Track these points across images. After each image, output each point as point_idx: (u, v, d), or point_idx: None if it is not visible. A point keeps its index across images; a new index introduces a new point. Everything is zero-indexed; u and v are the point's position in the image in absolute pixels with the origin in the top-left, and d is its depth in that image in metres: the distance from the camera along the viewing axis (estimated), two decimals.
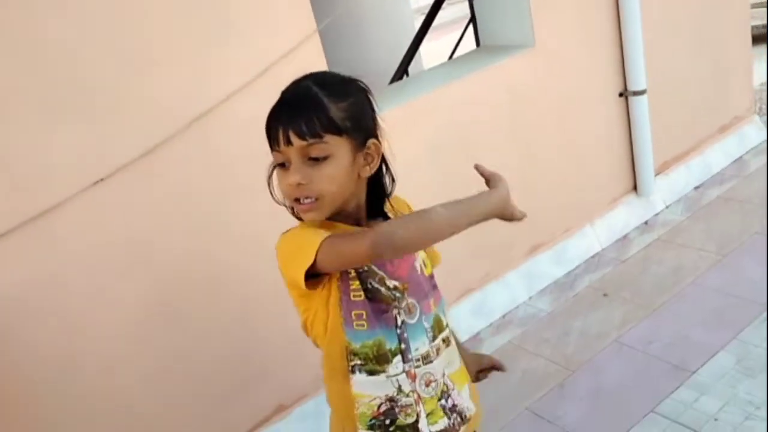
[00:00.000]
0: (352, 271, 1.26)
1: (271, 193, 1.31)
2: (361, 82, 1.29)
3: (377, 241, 1.13)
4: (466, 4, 4.26)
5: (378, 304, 1.27)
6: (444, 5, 4.32)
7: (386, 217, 1.35)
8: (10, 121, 1.83)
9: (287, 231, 1.30)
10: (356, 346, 1.28)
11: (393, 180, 1.36)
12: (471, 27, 4.13)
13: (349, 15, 4.49)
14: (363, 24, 4.93)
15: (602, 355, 2.60)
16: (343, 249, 1.18)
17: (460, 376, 1.39)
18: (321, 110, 1.18)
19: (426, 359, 1.31)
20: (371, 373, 1.29)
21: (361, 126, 1.24)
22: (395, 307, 1.29)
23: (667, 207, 3.49)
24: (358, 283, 1.26)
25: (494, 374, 1.59)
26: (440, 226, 1.19)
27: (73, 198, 1.93)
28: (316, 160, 1.19)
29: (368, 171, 1.27)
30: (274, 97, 1.28)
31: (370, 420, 1.31)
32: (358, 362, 1.28)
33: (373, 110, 1.29)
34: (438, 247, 1.34)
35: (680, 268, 3.00)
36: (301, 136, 1.17)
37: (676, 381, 2.37)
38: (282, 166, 1.22)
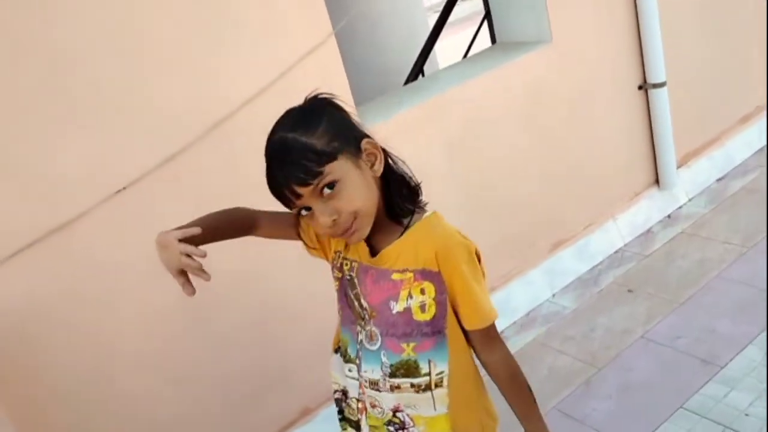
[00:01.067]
0: (338, 272, 1.38)
1: (303, 240, 1.46)
2: (320, 94, 1.27)
3: None
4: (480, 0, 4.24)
5: (350, 312, 1.37)
6: (457, 2, 4.30)
7: (396, 214, 1.30)
8: (29, 132, 1.84)
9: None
10: (340, 329, 1.43)
11: (407, 166, 1.34)
12: (485, 23, 4.11)
13: (364, 16, 4.49)
14: (377, 25, 4.93)
15: (629, 351, 2.57)
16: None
17: (434, 422, 1.34)
18: (306, 150, 1.17)
19: (374, 385, 1.35)
20: (343, 358, 1.42)
21: (347, 136, 1.23)
22: (360, 325, 1.35)
23: (690, 200, 3.44)
24: (338, 283, 1.39)
25: None
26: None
27: (94, 208, 1.94)
28: (331, 189, 1.19)
29: (379, 168, 1.26)
30: (291, 101, 1.28)
31: (334, 401, 1.49)
32: (339, 346, 1.44)
33: (346, 113, 1.28)
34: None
35: (705, 262, 2.96)
36: (304, 183, 1.17)
37: (704, 376, 2.34)
38: (307, 210, 1.23)
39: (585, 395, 2.41)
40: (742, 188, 3.44)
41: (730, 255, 2.94)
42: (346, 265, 1.36)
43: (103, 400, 2.08)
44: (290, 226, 1.45)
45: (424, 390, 1.32)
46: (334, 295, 1.43)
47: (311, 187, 1.17)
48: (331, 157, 1.18)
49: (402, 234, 1.29)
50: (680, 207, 3.41)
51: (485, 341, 1.33)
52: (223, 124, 2.08)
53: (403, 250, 1.28)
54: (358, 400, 1.41)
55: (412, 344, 1.30)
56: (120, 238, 2.01)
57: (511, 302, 2.91)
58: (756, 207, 3.24)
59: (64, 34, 1.85)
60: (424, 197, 1.36)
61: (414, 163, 1.48)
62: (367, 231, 1.25)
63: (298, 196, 1.18)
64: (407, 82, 4.17)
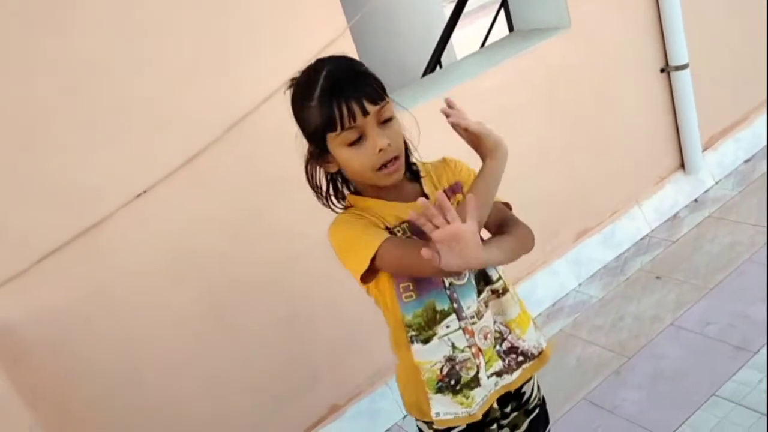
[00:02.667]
0: None
1: (312, 182, 1.36)
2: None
3: (450, 264, 1.16)
4: None
5: None
6: None
7: (415, 174, 1.39)
8: (53, 140, 1.86)
9: (336, 220, 1.35)
10: (409, 317, 1.35)
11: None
12: (502, 11, 4.07)
13: (379, 9, 4.46)
14: (392, 17, 4.90)
15: (658, 339, 2.53)
16: (406, 262, 1.25)
17: (520, 321, 1.44)
18: (373, 78, 1.24)
19: (478, 315, 1.37)
20: (425, 341, 1.35)
21: None
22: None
23: (716, 183, 3.38)
24: None
25: (549, 365, 1.53)
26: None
27: (118, 212, 1.95)
28: (386, 123, 1.24)
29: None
30: None
31: (437, 383, 1.38)
32: (413, 333, 1.36)
33: None
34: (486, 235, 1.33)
35: (735, 245, 2.90)
36: (374, 102, 1.21)
37: (737, 362, 2.30)
38: (355, 143, 1.23)
39: (615, 385, 2.38)
40: None
41: (761, 237, 2.89)
42: (398, 233, 1.32)
43: (135, 404, 2.09)
44: None
45: (502, 293, 1.41)
46: (360, 290, 1.40)
47: (376, 109, 1.21)
48: (386, 95, 1.25)
49: (418, 174, 1.40)
50: (707, 190, 3.35)
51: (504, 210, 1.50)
52: (242, 124, 2.08)
53: (434, 182, 1.39)
54: (469, 347, 1.37)
55: None
56: (144, 240, 2.02)
57: (537, 293, 2.89)
58: None
59: (85, 43, 1.86)
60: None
61: (435, 155, 1.48)
62: (401, 175, 1.29)
63: (365, 113, 1.20)
64: (425, 74, 4.15)
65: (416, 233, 1.30)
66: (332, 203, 1.40)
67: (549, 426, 1.60)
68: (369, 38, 4.03)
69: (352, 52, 2.24)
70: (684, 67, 3.07)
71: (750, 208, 3.12)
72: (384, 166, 1.25)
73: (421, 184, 1.40)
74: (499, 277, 1.41)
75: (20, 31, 1.77)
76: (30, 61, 1.79)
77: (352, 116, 1.20)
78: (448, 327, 1.35)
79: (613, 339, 2.60)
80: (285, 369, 2.33)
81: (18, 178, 1.83)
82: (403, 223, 1.32)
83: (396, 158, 1.26)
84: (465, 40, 5.84)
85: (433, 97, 2.54)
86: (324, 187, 1.38)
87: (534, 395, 1.54)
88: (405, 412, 2.50)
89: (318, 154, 1.30)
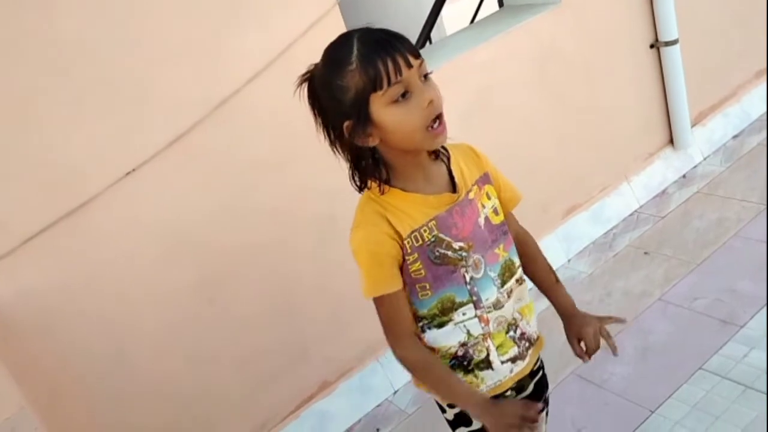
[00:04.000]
0: (414, 253, 1.30)
1: (354, 163, 1.30)
2: None
3: (398, 355, 1.36)
4: None
5: (446, 267, 1.33)
6: None
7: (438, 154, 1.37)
8: (36, 120, 1.84)
9: (357, 223, 1.32)
10: (423, 311, 1.36)
11: None
12: None
13: None
14: None
15: (647, 314, 2.55)
16: (386, 325, 1.35)
17: (528, 309, 1.47)
18: (409, 40, 1.23)
19: (497, 305, 1.38)
20: (440, 325, 1.37)
21: None
22: (462, 266, 1.34)
23: (705, 159, 3.40)
24: (418, 263, 1.31)
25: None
26: (429, 384, 1.41)
27: (106, 191, 1.94)
28: (426, 78, 1.23)
29: None
30: (296, 75, 1.26)
31: (450, 361, 1.40)
32: (425, 322, 1.37)
33: None
34: None
35: (723, 221, 2.92)
36: (416, 55, 1.20)
37: (724, 336, 2.32)
38: (400, 99, 1.20)
39: (603, 360, 2.40)
40: (758, 144, 3.38)
41: (748, 213, 2.91)
42: (425, 232, 1.30)
43: (124, 382, 2.10)
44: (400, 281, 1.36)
45: (522, 281, 1.44)
46: (351, 266, 1.36)
47: (420, 61, 1.20)
48: None
49: (448, 159, 1.36)
50: (696, 166, 3.36)
51: (513, 215, 1.52)
52: (229, 102, 2.06)
53: (462, 170, 1.36)
54: (483, 335, 1.39)
55: (501, 246, 1.39)
56: (132, 220, 2.02)
57: None
58: None
59: (69, 22, 1.83)
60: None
61: None
62: (446, 137, 1.27)
63: (409, 66, 1.18)
64: None
65: (443, 230, 1.31)
66: (370, 181, 1.32)
67: (548, 390, 1.65)
68: (358, 14, 3.99)
69: (342, 28, 2.22)
70: (673, 42, 3.07)
71: (738, 184, 3.13)
72: (432, 124, 1.23)
73: (449, 167, 1.36)
74: (520, 264, 1.45)
75: (3, 10, 1.74)
76: (14, 40, 1.77)
77: (398, 69, 1.17)
78: (464, 314, 1.37)
79: (601, 314, 2.61)
80: (274, 346, 2.34)
81: (2, 158, 1.81)
82: (431, 220, 1.30)
83: (441, 115, 1.25)
84: (455, 15, 5.80)
85: None
86: (362, 164, 1.30)
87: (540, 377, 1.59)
88: (395, 388, 2.53)
89: (359, 126, 1.22)
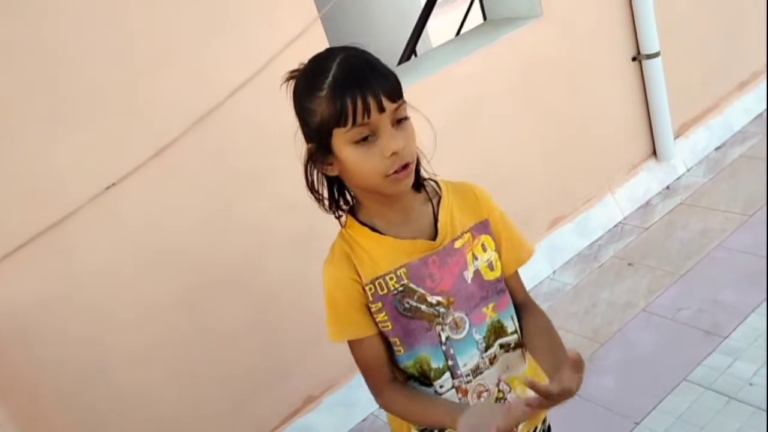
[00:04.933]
0: (378, 302, 1.19)
1: (312, 188, 1.19)
2: None
3: (379, 403, 1.27)
4: None
5: (419, 322, 1.20)
6: None
7: (420, 184, 1.23)
8: (18, 130, 1.82)
9: (328, 260, 1.22)
10: (401, 365, 1.26)
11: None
12: (477, 1, 4.06)
13: None
14: (367, 5, 4.88)
15: (631, 325, 2.56)
16: (360, 370, 1.26)
17: (522, 381, 1.29)
18: (392, 73, 1.10)
19: (476, 372, 1.25)
20: (426, 381, 1.25)
21: None
22: (438, 323, 1.21)
23: (688, 170, 3.42)
24: (384, 313, 1.20)
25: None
26: (403, 417, 1.28)
27: (88, 204, 1.93)
28: (400, 123, 1.11)
29: None
30: (279, 89, 1.24)
31: (422, 428, 1.30)
32: (408, 376, 1.27)
33: None
34: None
35: (706, 232, 2.94)
36: (393, 99, 1.08)
37: (708, 347, 2.33)
38: (364, 140, 1.08)
39: (588, 371, 2.35)
40: (741, 156, 3.40)
41: (731, 224, 2.93)
42: (390, 280, 1.19)
43: (103, 398, 2.07)
44: (380, 336, 1.25)
45: (514, 348, 1.29)
46: None
47: (395, 106, 1.08)
48: (402, 92, 1.12)
49: (438, 203, 1.23)
50: (679, 178, 3.39)
51: (521, 281, 1.34)
52: (211, 115, 2.05)
53: (453, 215, 1.23)
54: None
55: (491, 305, 1.25)
56: (113, 234, 2.00)
57: None
58: (756, 174, 3.21)
59: (52, 32, 1.82)
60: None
61: None
62: (411, 181, 1.15)
63: (381, 109, 1.06)
64: (400, 62, 4.14)
65: (415, 280, 1.18)
66: (335, 209, 1.24)
67: None
68: (342, 28, 4.01)
69: (323, 42, 2.22)
70: (655, 55, 3.10)
71: (721, 195, 3.15)
72: (392, 173, 1.10)
73: (434, 208, 1.23)
74: (515, 330, 1.29)
75: None
76: None
77: (367, 111, 1.05)
78: (441, 387, 1.24)
79: (586, 326, 2.63)
80: (258, 360, 2.32)
81: None
82: (400, 267, 1.18)
83: (408, 164, 1.11)
84: (440, 28, 5.83)
85: (407, 86, 2.53)
86: (326, 194, 1.22)
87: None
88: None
89: (319, 153, 1.13)
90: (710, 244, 2.85)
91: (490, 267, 1.24)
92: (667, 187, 3.34)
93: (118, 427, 2.10)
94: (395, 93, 1.09)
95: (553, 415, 2.25)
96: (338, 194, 1.23)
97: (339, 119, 1.06)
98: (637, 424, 2.14)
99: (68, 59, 1.85)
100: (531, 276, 2.95)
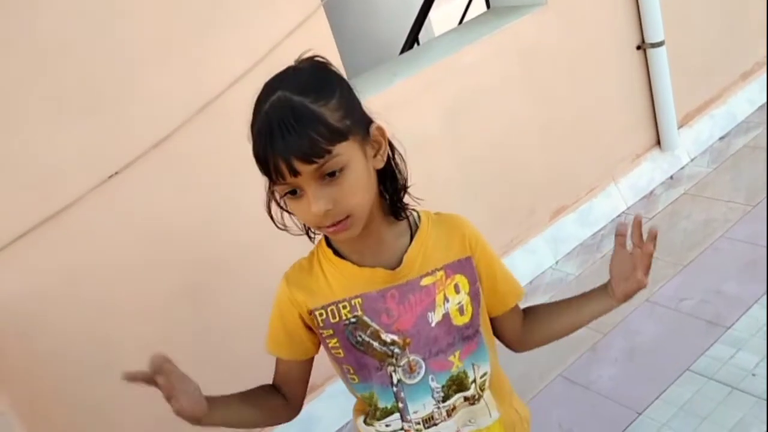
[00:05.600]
0: (329, 329, 1.13)
1: (273, 221, 1.14)
2: (316, 56, 1.09)
3: None
4: None
5: (370, 360, 1.12)
6: None
7: (399, 210, 1.14)
8: (18, 122, 1.82)
9: (291, 268, 1.21)
10: (357, 394, 1.21)
11: (404, 162, 1.15)
12: None
13: None
14: None
15: (634, 315, 2.55)
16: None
17: (490, 431, 1.21)
18: (317, 122, 0.97)
19: (429, 422, 1.15)
20: (365, 420, 1.21)
21: (357, 116, 1.05)
22: (390, 364, 1.12)
23: (692, 160, 3.40)
24: (335, 340, 1.13)
25: None
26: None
27: (88, 194, 1.92)
28: (332, 176, 0.99)
29: (381, 161, 1.08)
30: None
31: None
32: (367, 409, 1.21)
33: (353, 91, 1.08)
34: (464, 213, 1.23)
35: (709, 222, 2.93)
36: (308, 161, 0.96)
37: (710, 337, 2.33)
38: (292, 193, 1.02)
39: (590, 361, 2.40)
40: (744, 146, 3.39)
41: (735, 214, 2.92)
42: (344, 308, 1.12)
43: (104, 391, 2.07)
44: (301, 364, 1.25)
45: (477, 400, 1.19)
46: None
47: (314, 167, 0.97)
48: (342, 137, 0.99)
49: (415, 233, 1.14)
50: (683, 167, 3.37)
51: (520, 314, 1.29)
52: (213, 105, 2.04)
53: (427, 249, 1.13)
54: None
55: (457, 353, 1.15)
56: (114, 225, 1.99)
57: (514, 271, 2.84)
58: (759, 164, 3.19)
59: (50, 22, 1.81)
60: (424, 169, 1.27)
61: (412, 134, 1.45)
62: (359, 229, 1.05)
63: (295, 174, 0.97)
64: (403, 51, 4.12)
65: (369, 313, 1.11)
66: (310, 232, 1.17)
67: None
68: (345, 15, 3.99)
69: (326, 30, 2.21)
70: (660, 44, 3.08)
71: (724, 185, 3.14)
72: (327, 227, 1.03)
73: (412, 237, 1.14)
74: (474, 380, 1.18)
75: None
76: None
77: (280, 174, 0.97)
78: (387, 426, 1.16)
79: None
80: (260, 350, 2.31)
81: None
82: (355, 298, 1.11)
83: (343, 220, 1.02)
84: (443, 17, 5.80)
85: (411, 75, 2.52)
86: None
87: None
88: None
89: (271, 188, 1.09)
90: (713, 235, 2.84)
91: (461, 311, 1.15)
92: (671, 177, 3.33)
93: (118, 420, 2.10)
94: (314, 152, 0.96)
95: (556, 405, 2.26)
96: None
97: (262, 171, 1.01)
98: (640, 414, 2.14)
99: (69, 49, 1.84)
100: (534, 266, 2.95)
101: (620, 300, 1.22)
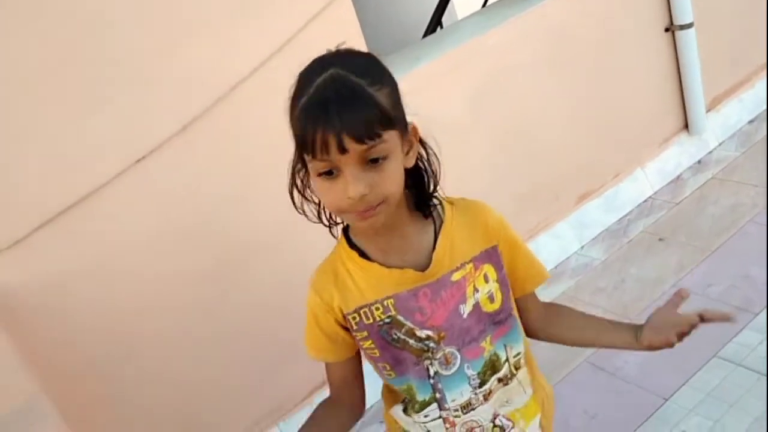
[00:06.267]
0: (363, 331, 1.14)
1: (294, 203, 1.13)
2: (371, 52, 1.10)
3: None
4: None
5: (407, 355, 1.14)
6: None
7: (428, 209, 1.14)
8: (49, 104, 1.83)
9: (314, 272, 1.21)
10: (395, 387, 1.22)
11: (438, 161, 1.15)
12: None
13: None
14: None
15: (661, 301, 2.51)
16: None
17: (526, 411, 1.24)
18: (373, 105, 0.97)
19: (467, 408, 1.18)
20: (405, 410, 1.22)
21: (401, 111, 1.04)
22: (427, 358, 1.15)
23: (720, 144, 3.35)
24: (370, 342, 1.14)
25: None
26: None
27: (118, 177, 1.94)
28: (375, 162, 0.99)
29: (411, 159, 1.08)
30: (306, 61, 1.23)
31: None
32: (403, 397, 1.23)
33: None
34: (487, 199, 1.21)
35: (737, 207, 2.89)
36: (361, 140, 0.95)
37: (738, 324, 2.30)
38: (328, 174, 1.00)
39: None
40: None
41: (763, 199, 2.87)
42: (376, 310, 1.13)
43: (133, 367, 2.10)
44: (350, 362, 1.23)
45: (510, 379, 1.21)
46: None
47: (364, 148, 0.96)
48: (392, 125, 0.99)
49: (439, 227, 1.14)
50: (710, 152, 3.32)
51: (535, 298, 1.29)
52: (239, 88, 2.04)
53: (454, 243, 1.13)
54: None
55: (488, 338, 1.17)
56: (145, 205, 2.01)
57: (539, 256, 2.85)
58: None
59: (80, 8, 1.82)
60: (449, 152, 1.24)
61: (436, 117, 1.44)
62: (384, 219, 1.04)
63: (343, 151, 0.95)
64: (426, 35, 4.09)
65: (403, 313, 1.12)
66: (326, 220, 1.17)
67: None
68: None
69: (350, 13, 2.20)
70: (689, 26, 3.02)
71: (752, 170, 3.09)
72: (357, 212, 1.02)
73: (435, 235, 1.13)
74: (507, 360, 1.20)
75: None
76: (31, 20, 1.76)
77: (326, 149, 0.96)
78: (426, 416, 1.19)
79: (615, 301, 2.61)
80: (287, 330, 2.33)
81: (16, 142, 1.81)
82: (387, 298, 1.11)
83: (375, 206, 1.02)
84: (466, 0, 5.75)
85: (435, 58, 2.51)
86: (316, 200, 1.13)
87: None
88: None
89: (300, 167, 1.09)
90: (741, 219, 2.80)
91: (491, 299, 1.16)
92: (699, 162, 3.28)
93: (148, 395, 2.13)
94: (366, 133, 0.96)
95: (582, 391, 2.25)
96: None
97: (304, 146, 0.99)
98: (666, 400, 2.13)
99: (99, 33, 1.84)
100: (558, 251, 2.93)
101: (643, 346, 1.23)
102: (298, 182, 1.11)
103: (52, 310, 1.95)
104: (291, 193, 1.12)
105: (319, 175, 1.01)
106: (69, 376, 2.00)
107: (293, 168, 1.10)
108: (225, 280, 2.19)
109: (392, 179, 1.02)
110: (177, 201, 2.07)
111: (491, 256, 1.17)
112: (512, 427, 1.22)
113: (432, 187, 1.14)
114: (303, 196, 1.12)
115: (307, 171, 1.07)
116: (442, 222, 1.14)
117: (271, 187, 2.19)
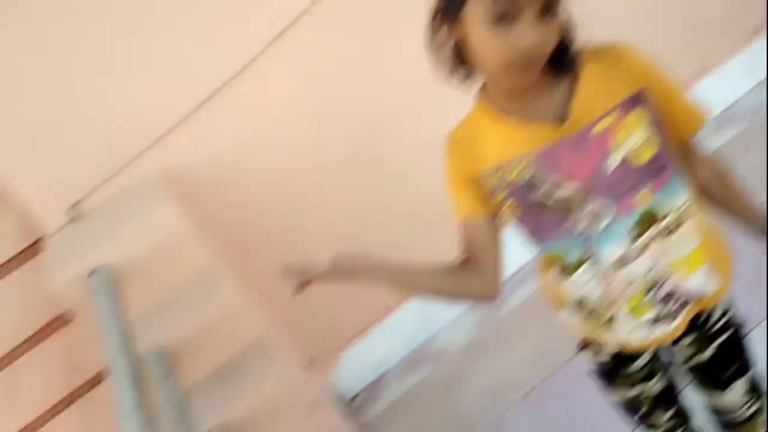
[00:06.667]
0: (503, 190, 1.12)
1: (434, 47, 1.08)
2: None
3: None
4: None
5: (549, 218, 1.12)
6: None
7: (566, 64, 1.08)
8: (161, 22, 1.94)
9: (447, 139, 1.17)
10: (542, 253, 1.21)
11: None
12: None
13: None
14: None
15: None
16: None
17: (690, 260, 1.16)
18: None
19: (623, 262, 1.13)
20: (561, 273, 1.20)
21: None
22: (573, 216, 1.11)
23: None
24: (510, 201, 1.13)
25: None
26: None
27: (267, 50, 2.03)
28: (551, 15, 0.97)
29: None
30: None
31: (568, 305, 1.25)
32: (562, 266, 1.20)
33: None
34: (642, 41, 1.12)
35: None
36: None
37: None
38: (500, 18, 0.96)
39: None
40: None
41: None
42: (515, 167, 1.10)
43: (300, 230, 2.27)
44: (488, 222, 1.18)
45: (672, 231, 1.13)
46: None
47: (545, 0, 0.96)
48: None
49: (578, 77, 1.07)
50: None
51: (695, 145, 1.20)
52: (255, 63, 2.05)
53: (593, 94, 1.07)
54: (603, 298, 1.19)
55: (644, 191, 1.10)
56: (292, 84, 2.10)
57: (707, 100, 2.66)
58: None
59: None
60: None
61: None
62: (532, 77, 1.03)
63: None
64: None
65: (545, 168, 1.08)
66: (463, 77, 1.10)
67: (750, 367, 1.32)
68: None
69: None
70: None
71: None
72: (516, 65, 0.99)
73: (573, 87, 1.07)
74: (669, 212, 1.12)
75: None
76: None
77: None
78: (581, 276, 1.16)
79: None
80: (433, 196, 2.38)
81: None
82: (526, 155, 1.08)
83: (532, 62, 1.00)
84: None
85: None
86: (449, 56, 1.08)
87: (714, 320, 1.26)
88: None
89: (449, 14, 1.03)
90: None
91: (646, 145, 1.08)
92: None
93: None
94: None
95: None
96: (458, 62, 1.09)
97: None
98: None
99: None
100: (728, 93, 2.70)
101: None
102: (441, 37, 1.06)
103: (223, 184, 2.13)
104: (430, 49, 1.08)
105: (488, 20, 0.97)
106: (242, 241, 2.18)
107: (432, 20, 1.06)
108: (376, 143, 2.27)
109: (556, 36, 1.00)
110: (326, 72, 2.14)
111: (640, 99, 1.08)
112: (672, 275, 1.16)
113: (570, 43, 1.07)
114: (434, 52, 1.08)
115: (451, 26, 1.03)
116: (579, 74, 1.08)
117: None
